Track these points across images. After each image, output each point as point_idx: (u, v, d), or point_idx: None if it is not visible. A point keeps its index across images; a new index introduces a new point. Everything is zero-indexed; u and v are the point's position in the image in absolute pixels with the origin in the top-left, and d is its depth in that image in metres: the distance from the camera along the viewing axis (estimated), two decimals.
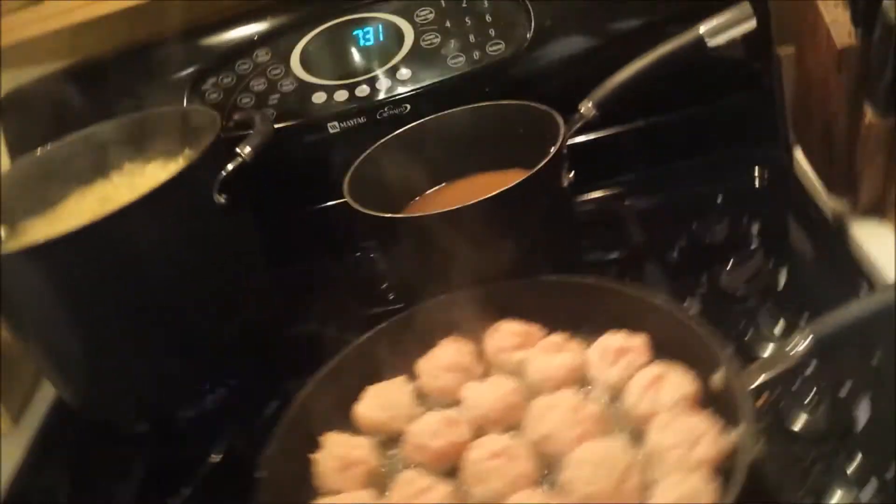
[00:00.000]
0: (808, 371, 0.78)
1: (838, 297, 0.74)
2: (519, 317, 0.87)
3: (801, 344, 0.66)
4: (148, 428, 1.00)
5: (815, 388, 0.77)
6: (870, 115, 0.88)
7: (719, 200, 1.07)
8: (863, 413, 0.77)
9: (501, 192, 0.85)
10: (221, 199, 0.93)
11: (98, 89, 1.16)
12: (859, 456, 0.73)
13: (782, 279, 0.96)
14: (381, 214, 0.89)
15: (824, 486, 0.72)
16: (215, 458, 0.93)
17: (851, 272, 0.92)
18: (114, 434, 1.02)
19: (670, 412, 0.71)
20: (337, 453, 0.77)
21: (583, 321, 0.85)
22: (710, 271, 0.98)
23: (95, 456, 1.01)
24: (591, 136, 1.09)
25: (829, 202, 1.03)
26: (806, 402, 0.77)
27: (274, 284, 1.06)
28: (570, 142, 0.94)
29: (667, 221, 1.09)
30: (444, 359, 0.85)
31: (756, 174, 1.12)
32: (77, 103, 1.16)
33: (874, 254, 0.92)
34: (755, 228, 1.04)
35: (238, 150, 0.94)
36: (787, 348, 0.67)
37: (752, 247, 1.00)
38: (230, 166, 0.93)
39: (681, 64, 0.96)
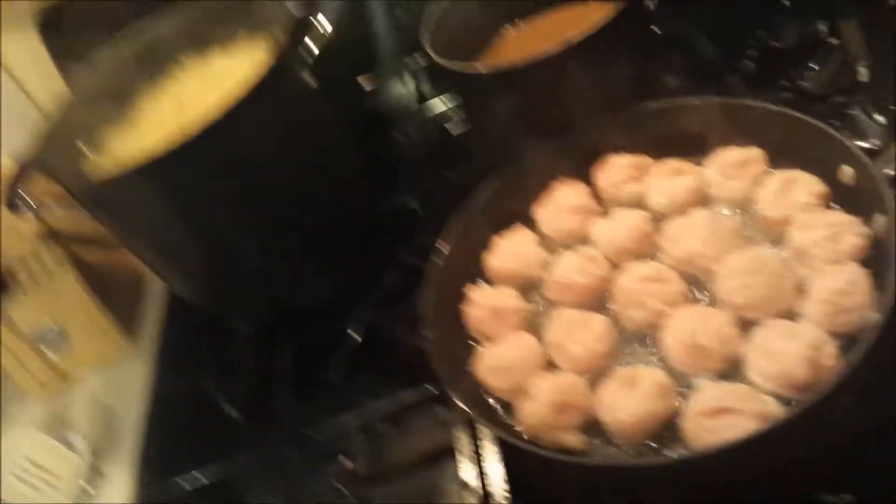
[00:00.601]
0: None
1: None
2: (626, 148, 0.89)
3: None
4: (277, 321, 1.03)
5: None
6: None
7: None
8: None
9: (589, 35, 0.85)
10: (313, 82, 0.92)
11: None
12: None
13: (863, 72, 0.97)
14: (467, 71, 0.88)
15: None
16: (357, 336, 0.97)
17: None
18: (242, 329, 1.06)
19: (806, 211, 0.75)
20: (485, 303, 0.82)
21: (690, 143, 0.87)
22: (787, 76, 0.99)
23: (227, 351, 1.05)
24: None
25: None
26: None
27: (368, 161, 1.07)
28: None
29: (735, 32, 1.08)
30: (562, 201, 0.88)
31: None
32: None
33: None
34: (824, 27, 1.04)
35: (318, 24, 0.92)
36: None
37: (826, 44, 0.99)
38: (312, 44, 0.92)
39: None
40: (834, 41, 1.00)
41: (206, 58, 1.07)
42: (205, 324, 1.07)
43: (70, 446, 1.02)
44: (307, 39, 0.91)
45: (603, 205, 0.89)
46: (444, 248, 0.86)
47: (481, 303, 0.82)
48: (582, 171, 0.90)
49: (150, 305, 1.21)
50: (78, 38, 1.13)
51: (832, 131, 0.76)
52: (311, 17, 0.91)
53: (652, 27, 0.98)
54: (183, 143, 0.84)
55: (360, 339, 0.96)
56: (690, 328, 0.70)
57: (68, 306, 1.12)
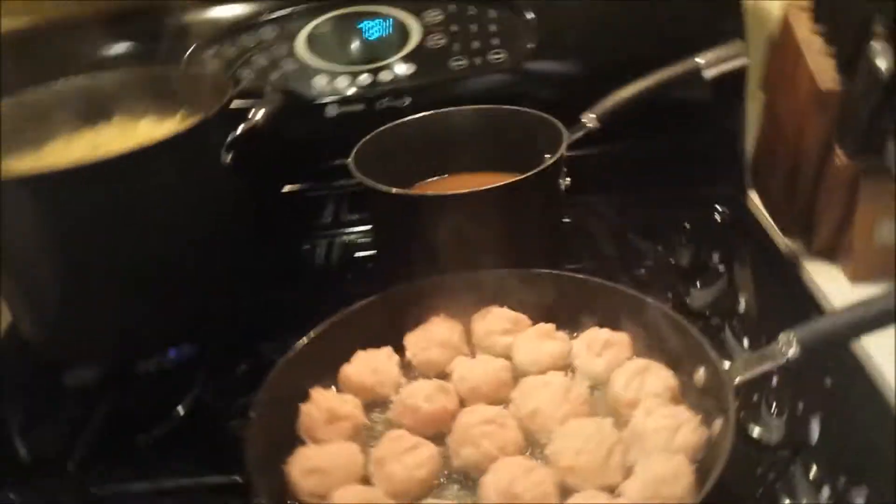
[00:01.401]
0: (773, 382, 0.85)
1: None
2: (507, 305, 0.91)
3: (787, 346, 0.71)
4: (104, 375, 0.98)
5: (775, 401, 0.83)
6: (840, 157, 0.96)
7: (687, 226, 1.14)
8: (815, 429, 0.83)
9: (510, 183, 0.91)
10: (228, 158, 0.93)
11: (97, 42, 1.16)
12: (814, 467, 0.78)
13: (743, 303, 1.03)
14: (390, 190, 0.91)
15: (777, 493, 0.77)
16: (181, 410, 0.92)
17: (807, 305, 1.00)
18: (68, 377, 0.99)
19: (654, 400, 0.76)
20: (325, 406, 0.79)
21: (568, 314, 0.89)
22: (674, 290, 1.04)
23: (50, 397, 0.98)
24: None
25: (784, 242, 1.11)
26: (769, 411, 0.83)
27: (259, 256, 1.07)
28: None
29: (637, 240, 1.14)
30: (434, 334, 0.88)
31: (718, 208, 1.19)
32: (73, 53, 1.15)
33: (826, 292, 1.00)
34: (717, 256, 1.11)
35: (250, 114, 0.95)
36: (772, 350, 0.72)
37: (715, 271, 1.06)
38: (242, 127, 0.94)
39: (674, 92, 1.04)
40: (722, 269, 1.06)
41: (137, 121, 1.08)
42: (30, 359, 1.00)
43: None
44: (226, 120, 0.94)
45: (472, 348, 0.89)
46: (301, 344, 0.84)
47: (319, 403, 0.79)
48: (461, 311, 0.91)
49: None
50: (28, 71, 1.15)
51: (696, 333, 0.79)
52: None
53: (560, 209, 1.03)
54: (71, 167, 0.83)
55: (183, 412, 0.91)
56: (511, 475, 0.69)
57: None
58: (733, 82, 1.12)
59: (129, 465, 0.85)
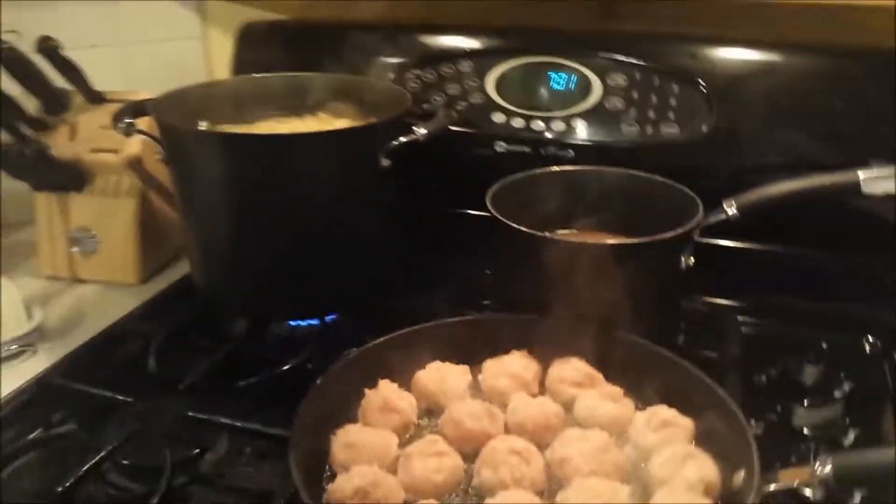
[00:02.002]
0: None
1: None
2: (590, 360, 0.93)
3: (821, 467, 0.69)
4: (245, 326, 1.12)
5: None
6: None
7: (824, 346, 1.08)
8: None
9: (631, 243, 0.94)
10: (385, 162, 1.04)
11: (320, 47, 1.33)
12: None
13: (851, 437, 0.96)
14: (516, 226, 0.98)
15: None
16: (286, 365, 1.03)
17: None
18: (217, 320, 1.15)
19: (683, 485, 0.75)
20: (384, 395, 0.86)
21: (643, 385, 0.90)
22: (784, 405, 1.00)
23: (193, 332, 1.14)
24: (724, 243, 1.14)
25: None
26: None
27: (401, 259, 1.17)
28: (704, 239, 1.01)
29: (766, 347, 1.10)
30: (510, 366, 0.93)
31: (868, 338, 1.12)
32: (299, 51, 1.34)
33: None
34: (847, 386, 1.04)
35: (415, 127, 1.05)
36: (808, 469, 0.70)
37: (833, 397, 1.00)
38: (403, 138, 1.05)
39: (836, 206, 1.00)
40: (840, 396, 1.00)
41: (335, 119, 1.23)
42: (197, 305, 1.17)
43: (30, 315, 1.13)
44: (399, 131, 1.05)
45: (541, 390, 0.93)
46: (387, 338, 0.93)
47: (381, 391, 0.87)
48: (544, 353, 0.95)
49: (171, 272, 1.33)
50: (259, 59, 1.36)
51: (750, 437, 0.77)
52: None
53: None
54: (262, 134, 0.97)
55: (286, 369, 1.02)
56: None
57: (115, 226, 1.27)
58: None
59: (226, 401, 0.96)
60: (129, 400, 0.97)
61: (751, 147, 1.13)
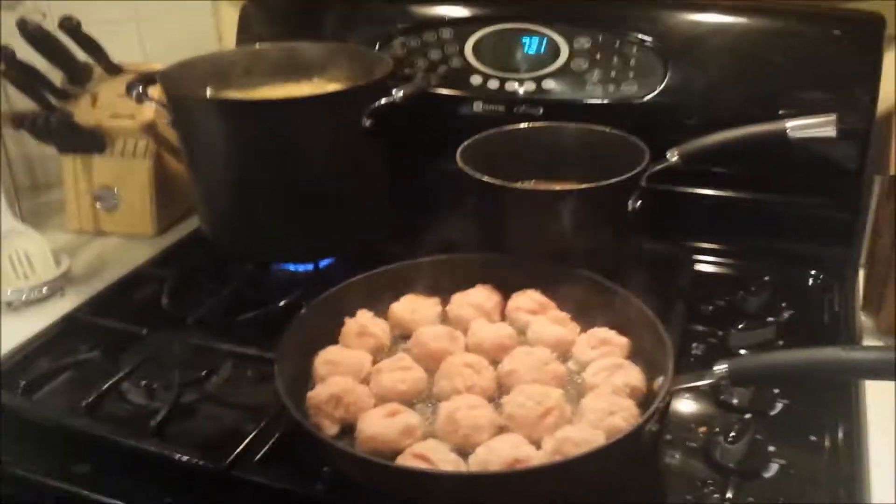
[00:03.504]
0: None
1: None
2: (544, 291, 1.06)
3: (719, 368, 0.81)
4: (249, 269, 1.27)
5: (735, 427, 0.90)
6: None
7: (766, 279, 1.19)
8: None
9: (583, 188, 1.06)
10: (367, 122, 1.16)
11: (315, 17, 1.45)
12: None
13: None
14: (484, 179, 1.09)
15: None
16: (282, 302, 1.17)
17: None
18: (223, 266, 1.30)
19: (610, 389, 0.88)
20: (362, 322, 1.00)
21: (589, 312, 1.03)
22: (725, 330, 1.12)
23: (203, 276, 1.28)
24: (686, 189, 1.26)
25: (861, 318, 1.13)
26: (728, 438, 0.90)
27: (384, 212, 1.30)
28: (662, 187, 1.12)
29: (717, 282, 1.22)
30: (474, 298, 1.06)
31: (812, 273, 1.23)
32: (297, 21, 1.47)
33: None
34: (787, 315, 1.15)
35: (394, 91, 1.17)
36: (710, 371, 0.82)
37: (768, 320, 1.11)
38: (383, 100, 1.16)
39: (785, 153, 1.12)
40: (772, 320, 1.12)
41: (328, 84, 1.35)
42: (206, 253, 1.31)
43: (58, 262, 1.28)
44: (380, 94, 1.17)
45: (501, 318, 1.06)
46: (369, 273, 1.07)
47: (358, 318, 1.01)
48: (506, 286, 1.08)
49: (184, 226, 1.47)
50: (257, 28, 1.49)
51: (671, 348, 0.89)
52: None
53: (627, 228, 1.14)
54: (260, 100, 1.11)
55: (282, 305, 1.16)
56: (458, 405, 0.85)
57: (134, 184, 1.41)
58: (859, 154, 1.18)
59: (227, 333, 1.11)
60: (143, 332, 1.12)
61: (701, 102, 1.24)
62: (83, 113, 1.39)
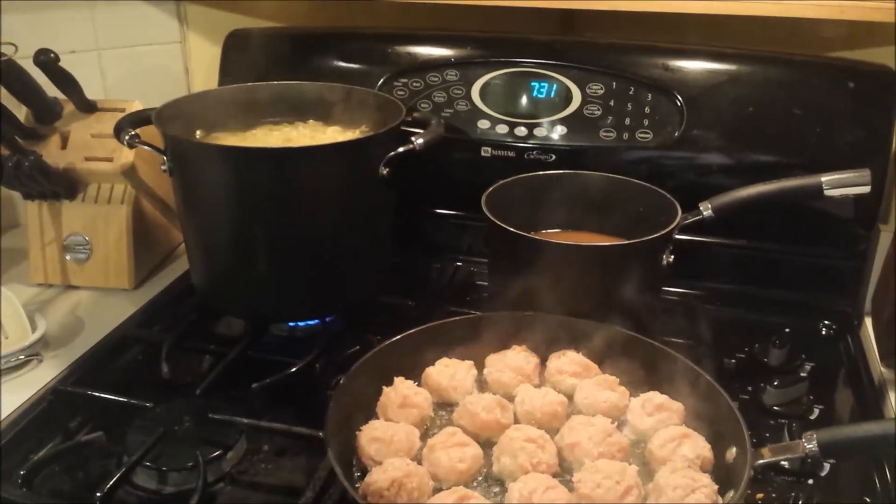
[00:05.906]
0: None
1: None
2: (584, 352, 1.01)
3: (807, 442, 0.78)
4: (247, 328, 1.18)
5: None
6: None
7: (787, 331, 1.18)
8: None
9: (618, 245, 1.03)
10: (384, 171, 1.10)
11: (306, 54, 1.37)
12: None
13: (816, 412, 1.06)
14: (514, 230, 1.05)
15: None
16: (294, 366, 1.08)
17: None
18: (214, 324, 1.20)
19: (683, 462, 0.84)
20: (402, 392, 0.93)
21: (635, 374, 0.99)
22: (754, 385, 1.10)
23: (195, 335, 1.18)
24: (697, 238, 1.24)
25: (880, 370, 1.14)
26: None
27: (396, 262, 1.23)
28: (679, 235, 1.09)
29: (734, 332, 1.20)
30: (512, 361, 1.00)
31: (825, 323, 1.23)
32: (285, 58, 1.38)
33: None
34: (808, 367, 1.14)
35: (413, 139, 1.11)
36: (795, 444, 0.79)
37: (799, 377, 1.10)
38: (401, 148, 1.10)
39: (797, 204, 1.11)
40: (805, 375, 1.10)
41: (326, 126, 1.27)
42: (193, 308, 1.22)
43: (32, 323, 1.15)
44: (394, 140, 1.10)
45: (542, 381, 1.01)
46: (399, 337, 0.99)
47: (398, 388, 0.93)
48: (542, 347, 1.03)
49: (163, 276, 1.36)
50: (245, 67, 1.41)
51: (738, 415, 0.85)
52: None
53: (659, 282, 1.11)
54: (264, 147, 1.02)
55: (295, 370, 1.07)
56: (533, 487, 0.79)
57: (107, 233, 1.29)
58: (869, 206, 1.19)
59: (242, 403, 1.01)
60: (148, 405, 1.01)
61: (718, 151, 1.23)
62: (53, 154, 1.27)
